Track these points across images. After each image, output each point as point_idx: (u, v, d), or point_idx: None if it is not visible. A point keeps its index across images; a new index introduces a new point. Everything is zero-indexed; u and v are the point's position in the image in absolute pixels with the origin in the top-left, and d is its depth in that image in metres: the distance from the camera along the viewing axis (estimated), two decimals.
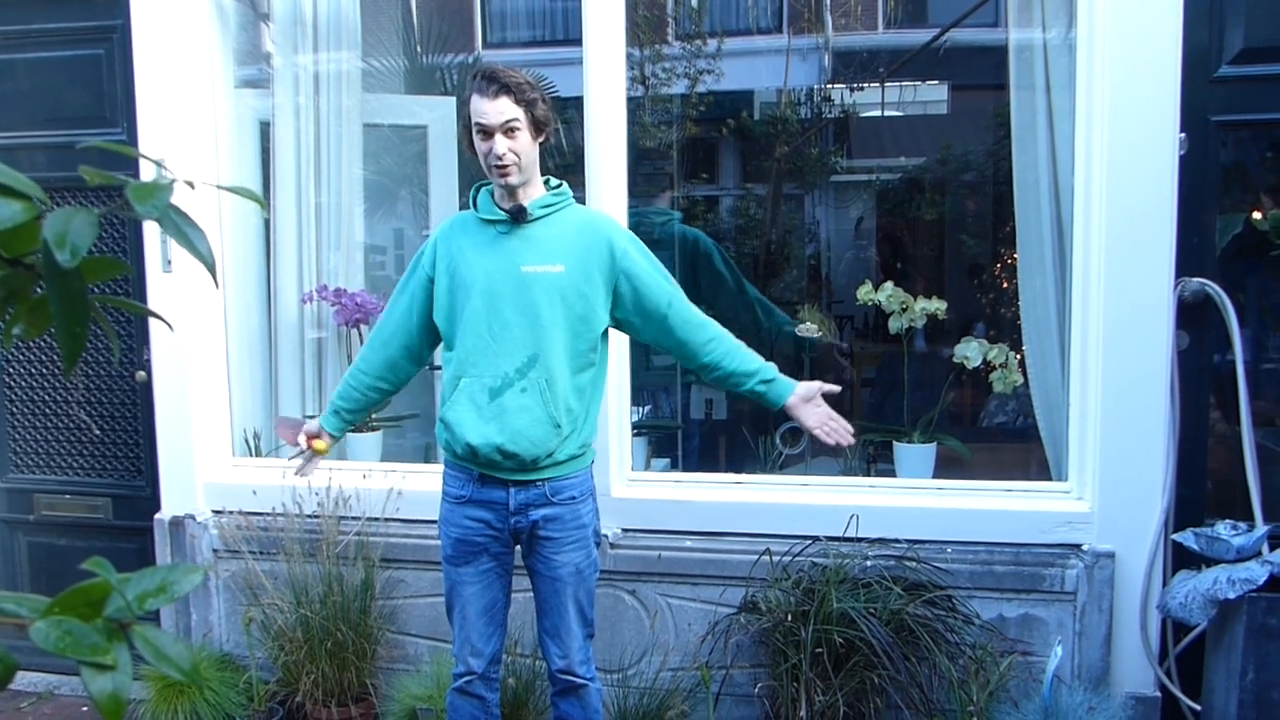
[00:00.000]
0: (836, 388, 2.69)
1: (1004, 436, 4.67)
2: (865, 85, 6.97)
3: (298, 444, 2.84)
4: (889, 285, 3.78)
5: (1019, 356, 3.64)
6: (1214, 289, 3.08)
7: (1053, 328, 3.43)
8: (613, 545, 3.44)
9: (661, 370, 4.56)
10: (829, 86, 7.04)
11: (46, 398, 4.11)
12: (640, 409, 4.18)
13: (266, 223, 4.06)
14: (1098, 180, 3.09)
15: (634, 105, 4.28)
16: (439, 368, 2.77)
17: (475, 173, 2.68)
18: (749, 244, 6.73)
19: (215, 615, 3.85)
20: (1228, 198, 3.25)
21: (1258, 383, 3.21)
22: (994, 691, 3.02)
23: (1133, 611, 3.13)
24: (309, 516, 3.57)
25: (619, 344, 3.42)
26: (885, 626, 2.98)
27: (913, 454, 3.68)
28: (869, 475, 3.86)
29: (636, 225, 3.59)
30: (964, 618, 3.14)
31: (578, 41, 3.48)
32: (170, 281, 3.74)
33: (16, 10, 3.93)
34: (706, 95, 6.39)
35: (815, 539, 3.28)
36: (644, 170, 5.49)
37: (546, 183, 2.65)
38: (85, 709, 3.93)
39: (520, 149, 2.51)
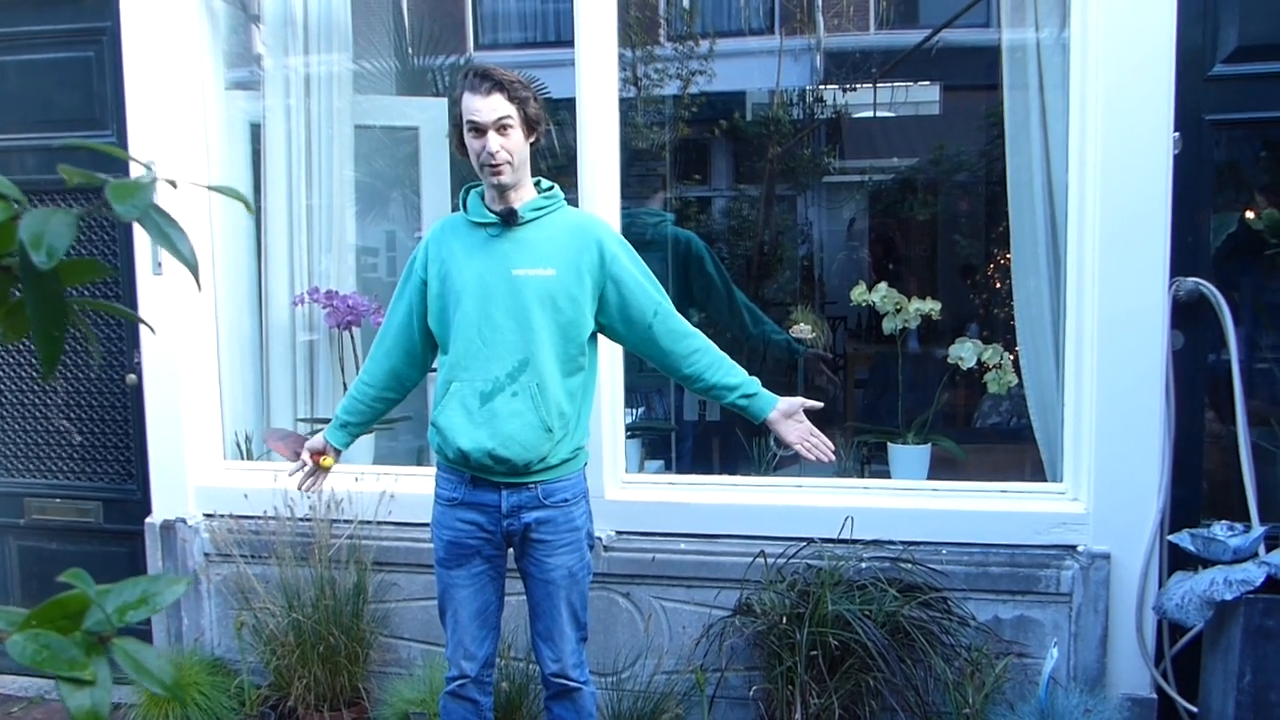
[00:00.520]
0: (819, 404, 2.67)
1: (998, 437, 4.66)
2: (857, 86, 6.97)
3: (297, 458, 2.81)
4: (883, 286, 3.77)
5: (1013, 357, 3.63)
6: (1209, 288, 3.07)
7: (1047, 328, 3.42)
8: (606, 548, 3.43)
9: (655, 372, 4.52)
10: (821, 87, 7.03)
11: (37, 400, 4.08)
12: (634, 411, 4.17)
13: (258, 225, 4.04)
14: (1091, 180, 3.09)
15: (626, 106, 4.26)
16: (435, 370, 2.75)
17: (467, 174, 2.67)
18: (742, 245, 6.72)
19: (206, 619, 3.83)
20: (1222, 197, 3.25)
21: (1253, 382, 3.21)
22: (989, 694, 3.01)
23: (1128, 613, 3.13)
24: (301, 520, 3.55)
25: (613, 346, 3.40)
26: (880, 629, 2.97)
27: (907, 455, 3.67)
28: (863, 477, 3.85)
29: (628, 226, 3.59)
30: (959, 619, 3.13)
31: (569, 43, 3.47)
32: (161, 284, 3.72)
33: (5, 12, 3.91)
34: (699, 96, 6.38)
35: (810, 541, 3.27)
36: (636, 171, 5.47)
37: (537, 184, 2.63)
38: None
39: (513, 147, 2.49)
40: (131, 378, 3.92)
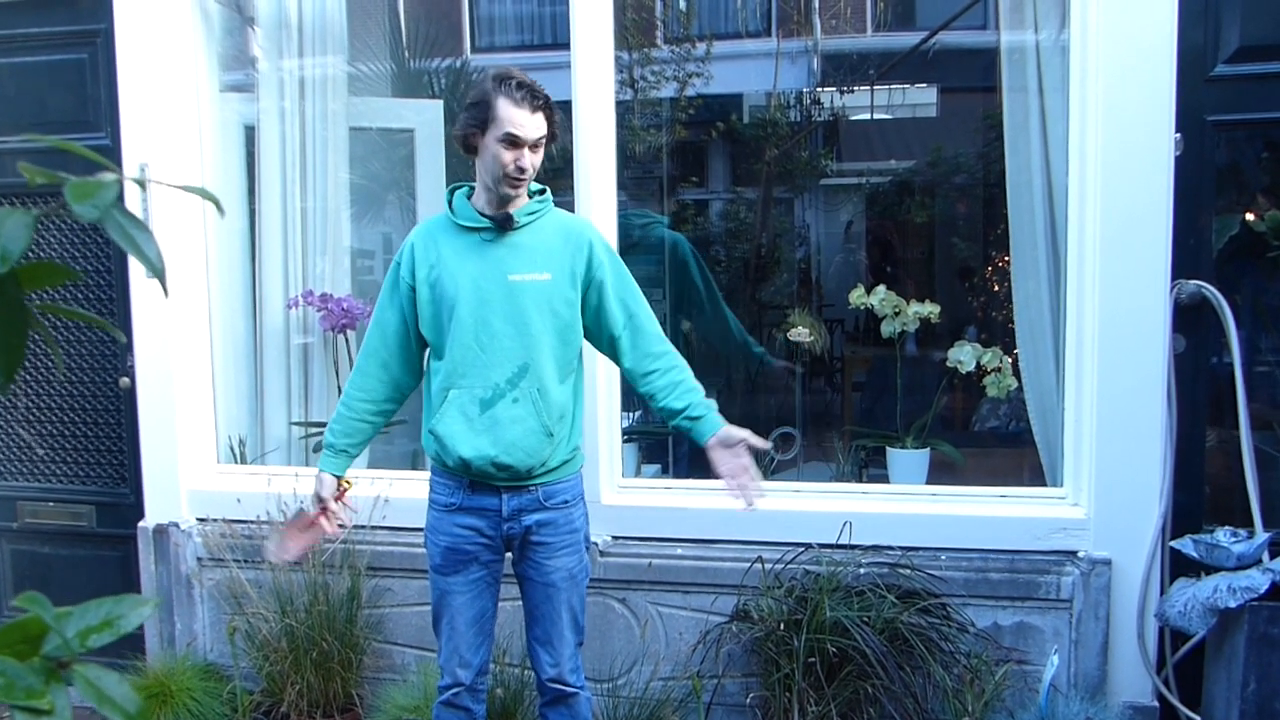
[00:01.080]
0: (764, 444, 2.60)
1: (997, 441, 4.64)
2: (855, 88, 6.96)
3: (312, 525, 2.70)
4: (882, 289, 3.75)
5: (1012, 360, 3.60)
6: (1211, 291, 3.05)
7: (1046, 331, 3.40)
8: (603, 553, 3.40)
9: None
10: (818, 89, 7.02)
11: (29, 404, 4.05)
12: (630, 415, 4.13)
13: (252, 227, 4.02)
14: (1092, 182, 3.06)
15: (623, 109, 4.24)
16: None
17: (463, 175, 2.63)
18: (739, 248, 6.70)
19: (199, 624, 3.80)
20: (1223, 198, 3.22)
21: (1255, 386, 3.18)
22: (989, 701, 2.98)
23: (1130, 619, 3.10)
24: (287, 520, 3.51)
25: None
26: (879, 635, 2.94)
27: (906, 460, 3.65)
28: (861, 481, 3.82)
29: (618, 227, 3.55)
30: (958, 626, 3.10)
31: (566, 45, 3.45)
32: (155, 287, 3.68)
33: None
34: (696, 99, 6.37)
35: (808, 546, 3.25)
36: (633, 174, 5.46)
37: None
38: None
39: (538, 163, 2.50)
40: (125, 381, 3.88)
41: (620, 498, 3.49)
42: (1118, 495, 3.10)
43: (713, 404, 2.60)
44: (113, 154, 3.72)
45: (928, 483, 3.60)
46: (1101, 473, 3.11)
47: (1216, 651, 2.91)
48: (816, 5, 6.87)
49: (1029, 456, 3.52)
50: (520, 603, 2.69)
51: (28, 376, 4.04)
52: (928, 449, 3.67)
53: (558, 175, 3.45)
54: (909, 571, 3.16)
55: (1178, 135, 3.01)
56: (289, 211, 3.97)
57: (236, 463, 3.92)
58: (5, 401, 4.07)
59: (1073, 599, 3.12)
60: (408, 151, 4.39)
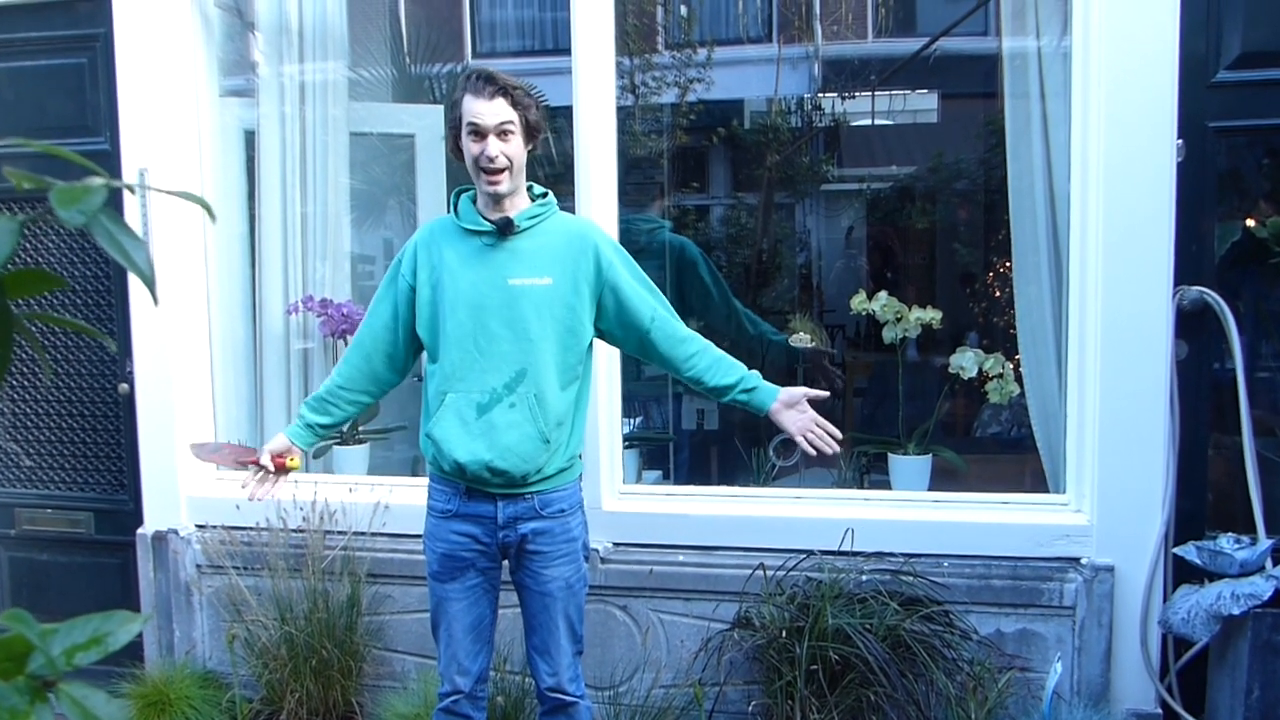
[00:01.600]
0: (823, 393, 2.60)
1: (998, 447, 4.63)
2: (856, 94, 6.95)
3: (243, 465, 2.69)
4: (883, 295, 3.73)
5: (1014, 366, 3.59)
6: (1213, 297, 3.04)
7: (1049, 337, 3.39)
8: (603, 560, 3.39)
9: (652, 381, 4.51)
10: (819, 95, 7.01)
11: (28, 410, 4.04)
12: (631, 421, 4.12)
13: (252, 232, 4.01)
14: (1094, 187, 3.05)
15: (624, 114, 4.24)
16: (419, 378, 2.70)
17: (463, 180, 2.62)
18: (740, 253, 6.69)
19: (198, 632, 3.78)
20: (1225, 204, 3.22)
21: (1258, 392, 3.16)
22: (992, 709, 2.97)
23: (1133, 626, 3.08)
24: (294, 531, 3.51)
25: (610, 355, 3.37)
26: (881, 642, 2.93)
27: (908, 466, 3.63)
28: (863, 487, 3.81)
29: (623, 233, 3.55)
30: (961, 633, 3.09)
31: (567, 51, 3.44)
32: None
33: None
34: (697, 104, 6.35)
35: (810, 553, 3.23)
36: (634, 179, 5.45)
37: (529, 189, 2.59)
38: None
39: (512, 154, 2.46)
40: (124, 387, 3.87)
41: (621, 504, 3.48)
42: (1120, 502, 3.09)
43: (757, 373, 2.60)
44: (112, 159, 3.71)
45: (930, 489, 3.59)
46: (1104, 479, 3.10)
47: (1220, 658, 2.90)
48: (817, 11, 6.87)
49: (1031, 462, 3.50)
50: (520, 610, 2.68)
51: (25, 384, 4.03)
52: (930, 455, 3.65)
53: (559, 180, 3.45)
54: (911, 578, 3.15)
55: (1179, 141, 3.00)
56: (289, 216, 3.96)
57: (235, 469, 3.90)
58: (4, 407, 4.06)
59: (1076, 606, 3.11)
60: (408, 157, 4.38)
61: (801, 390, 2.58)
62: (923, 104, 7.72)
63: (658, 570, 3.37)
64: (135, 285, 3.74)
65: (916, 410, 3.92)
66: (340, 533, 3.50)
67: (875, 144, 7.73)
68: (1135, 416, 3.05)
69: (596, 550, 3.38)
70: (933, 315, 3.68)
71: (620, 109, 3.52)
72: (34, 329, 3.95)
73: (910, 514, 3.33)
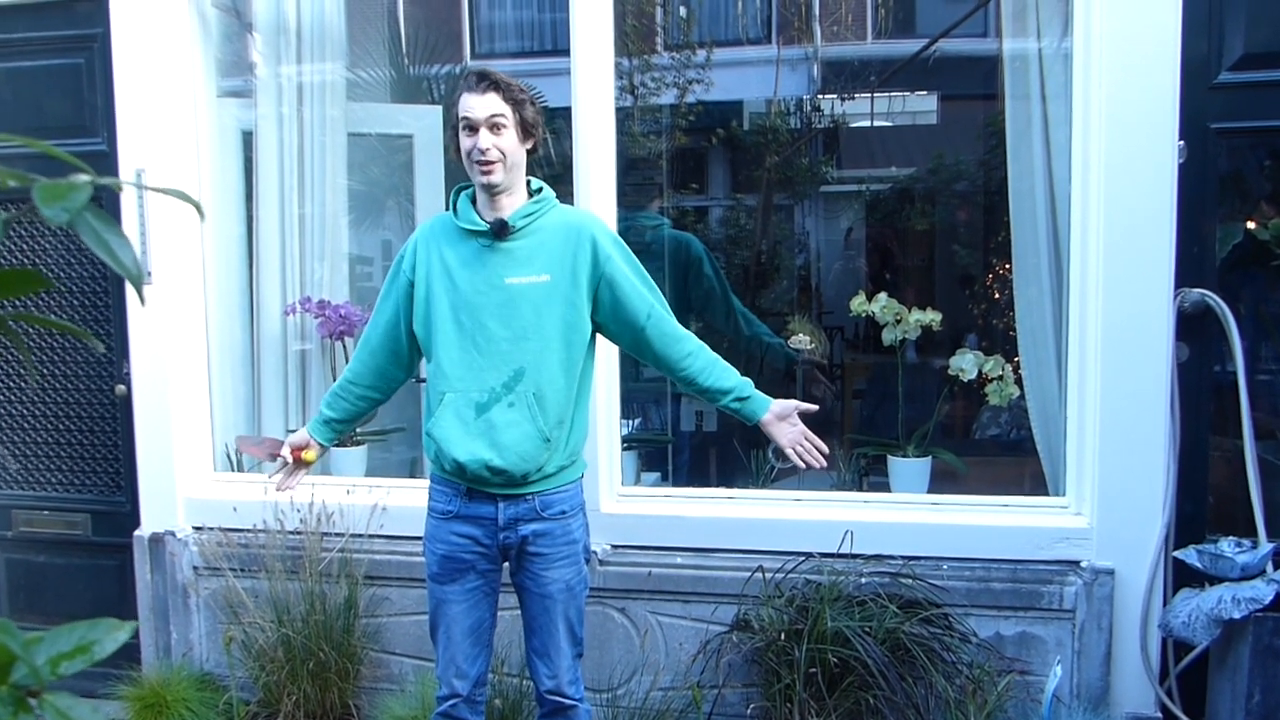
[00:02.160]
0: (814, 407, 2.61)
1: (997, 449, 4.62)
2: (855, 95, 6.94)
3: (276, 458, 2.76)
4: (883, 296, 3.73)
5: (1014, 368, 3.58)
6: (1214, 300, 3.03)
7: (1049, 339, 3.38)
8: (602, 562, 3.37)
9: (651, 383, 4.50)
10: (819, 97, 7.01)
11: (24, 411, 4.02)
12: (630, 422, 4.11)
13: (249, 233, 3.99)
14: (1095, 189, 3.05)
15: (623, 115, 4.22)
16: (424, 380, 2.69)
17: (462, 181, 2.61)
18: (739, 254, 6.68)
19: (195, 634, 3.77)
20: (1226, 206, 3.20)
21: (1259, 395, 3.15)
22: (991, 712, 2.96)
23: (1133, 630, 3.07)
24: (291, 533, 3.50)
25: (608, 355, 3.36)
26: (880, 645, 2.92)
27: (907, 468, 3.62)
28: (862, 489, 3.80)
29: (626, 231, 3.55)
30: (961, 636, 3.08)
31: (566, 52, 3.43)
32: (150, 293, 3.66)
33: None
34: (696, 105, 6.34)
35: (809, 555, 3.22)
36: (633, 180, 5.44)
37: (528, 184, 2.57)
38: None
39: (505, 147, 2.44)
40: (121, 388, 3.86)
41: (620, 506, 3.47)
42: (1121, 504, 3.08)
43: (750, 381, 2.59)
44: (109, 160, 3.70)
45: (929, 491, 3.58)
46: (1104, 482, 3.09)
47: (1220, 663, 2.89)
48: (817, 12, 6.87)
49: (1030, 465, 3.49)
50: (519, 612, 2.67)
51: (21, 384, 4.02)
52: (929, 457, 3.64)
53: (558, 181, 3.42)
54: (911, 581, 3.14)
55: (1181, 143, 2.99)
56: (287, 217, 3.94)
57: (233, 471, 3.89)
58: (1, 409, 4.04)
59: (1075, 609, 3.10)
60: (407, 157, 4.37)
61: (793, 403, 2.58)
62: (922, 105, 7.72)
63: (656, 572, 3.35)
64: (131, 286, 3.72)
65: (915, 412, 3.91)
66: (338, 534, 3.49)
67: (874, 145, 7.73)
68: (1136, 419, 3.04)
69: (595, 552, 3.36)
70: (932, 317, 3.67)
71: (619, 110, 3.51)
72: (27, 331, 3.91)
73: (910, 516, 3.32)
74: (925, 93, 7.56)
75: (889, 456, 3.69)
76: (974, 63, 6.39)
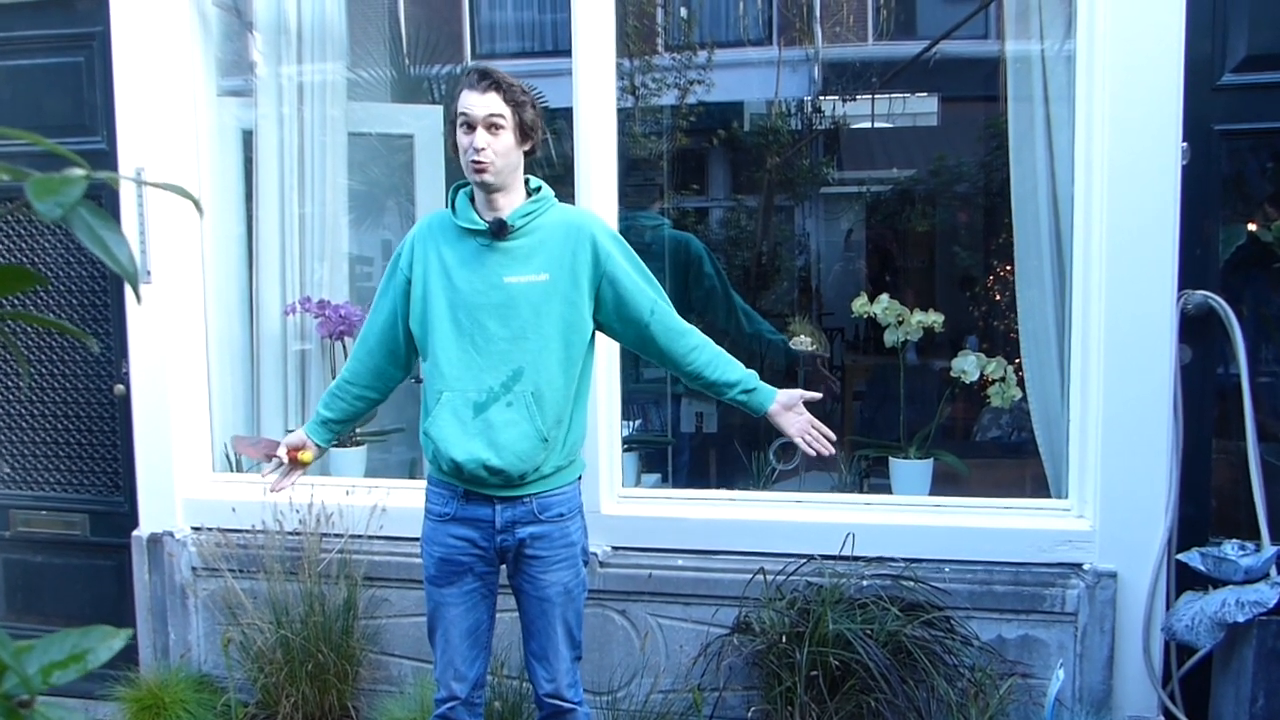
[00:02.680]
0: (818, 395, 2.61)
1: (999, 451, 4.61)
2: (856, 97, 6.93)
3: (272, 458, 2.73)
4: (885, 298, 3.71)
5: (1015, 370, 3.57)
6: (1218, 302, 3.02)
7: (1051, 340, 3.37)
8: (602, 564, 3.36)
9: (652, 383, 4.49)
10: (819, 98, 7.00)
11: (22, 410, 4.01)
12: (630, 423, 4.10)
13: (249, 233, 3.98)
14: (1098, 191, 3.03)
15: (624, 116, 4.21)
16: (422, 380, 2.68)
17: (461, 179, 2.59)
18: (740, 256, 6.67)
19: (193, 635, 3.75)
20: (1230, 208, 3.19)
21: (1261, 397, 3.14)
22: (993, 715, 2.94)
23: (1135, 633, 3.06)
24: (290, 534, 3.48)
25: (609, 356, 3.35)
26: (882, 648, 2.91)
27: (909, 470, 3.61)
28: (863, 491, 3.79)
29: (626, 230, 3.53)
30: (962, 639, 3.07)
31: (567, 52, 3.42)
32: (149, 292, 3.65)
33: None
34: (697, 106, 6.34)
35: (810, 558, 3.21)
36: (634, 181, 5.43)
37: (526, 183, 2.56)
38: None
39: (500, 148, 2.42)
40: (120, 388, 3.84)
41: (620, 508, 3.46)
42: (1123, 507, 3.07)
43: (755, 373, 2.60)
44: (109, 159, 3.69)
45: (931, 493, 3.56)
46: (1107, 484, 3.08)
47: (1224, 666, 2.87)
48: (818, 14, 6.86)
49: (1032, 467, 3.48)
50: (518, 614, 2.65)
51: (19, 384, 4.00)
52: (931, 459, 3.63)
53: (559, 182, 3.41)
54: (912, 583, 3.13)
55: (1184, 144, 2.98)
56: (287, 217, 3.93)
57: (232, 471, 3.88)
58: None
59: (1078, 612, 3.09)
60: (407, 157, 4.36)
61: (798, 393, 2.58)
62: (923, 107, 7.72)
63: (657, 574, 3.34)
64: (128, 284, 3.70)
65: (916, 414, 3.90)
66: (337, 535, 3.47)
67: (875, 147, 7.72)
68: (1138, 421, 3.03)
69: (595, 554, 3.35)
70: (935, 319, 3.66)
71: (620, 111, 3.50)
72: (26, 330, 3.89)
73: (911, 518, 3.31)
74: (926, 94, 7.55)
75: (890, 458, 3.68)
76: (975, 64, 6.39)
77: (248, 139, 3.99)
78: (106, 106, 3.76)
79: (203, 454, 3.84)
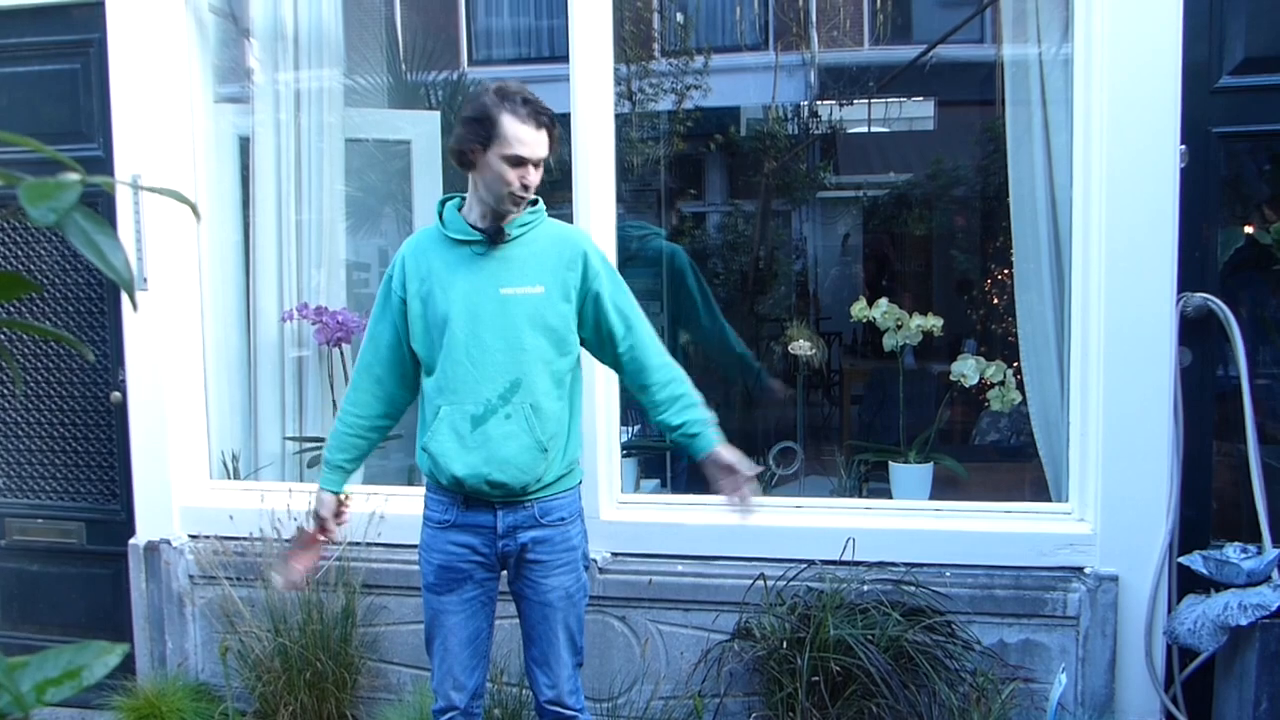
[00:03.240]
0: (751, 475, 2.57)
1: (997, 455, 4.60)
2: (853, 101, 6.94)
3: (318, 544, 2.67)
4: (883, 302, 3.71)
5: (1014, 373, 3.56)
6: (1217, 304, 3.01)
7: (1050, 344, 3.36)
8: (602, 570, 3.35)
9: None
10: (816, 103, 7.01)
11: (18, 419, 3.99)
12: (629, 429, 4.09)
13: (246, 239, 3.97)
14: (1096, 194, 3.03)
15: (621, 121, 4.20)
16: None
17: (460, 187, 2.58)
18: (737, 260, 6.67)
19: (191, 643, 3.74)
20: (1228, 210, 3.19)
21: (1261, 399, 3.14)
22: None
23: (1137, 636, 3.05)
24: (287, 541, 3.46)
25: None
26: (883, 653, 2.90)
27: (909, 474, 3.60)
28: (863, 496, 3.78)
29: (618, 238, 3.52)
30: (964, 644, 3.06)
31: (564, 58, 3.41)
32: (146, 299, 3.64)
33: None
34: (694, 111, 6.34)
35: (810, 563, 3.20)
36: (632, 186, 5.42)
37: None
38: None
39: (539, 180, 2.46)
40: (116, 395, 3.83)
41: (620, 514, 3.44)
42: (1124, 510, 3.06)
43: (710, 419, 2.57)
44: (105, 166, 3.68)
45: (931, 498, 3.56)
46: (1108, 487, 3.07)
47: (1227, 670, 2.86)
48: (814, 19, 6.87)
49: (1032, 471, 3.47)
50: (517, 620, 2.64)
51: (14, 391, 3.99)
52: (931, 463, 3.62)
53: (556, 188, 3.41)
54: (913, 588, 3.11)
55: (1183, 147, 2.98)
56: (284, 224, 3.92)
57: (229, 478, 3.86)
58: None
59: (1079, 616, 3.08)
60: (404, 163, 4.35)
61: (729, 458, 2.54)
62: (920, 111, 7.72)
63: (657, 580, 3.33)
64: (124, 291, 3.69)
65: (914, 418, 3.89)
66: (335, 543, 3.45)
67: (872, 151, 7.72)
68: (1138, 424, 3.03)
69: (595, 560, 3.34)
70: (934, 323, 3.66)
71: (618, 116, 3.50)
72: (22, 338, 3.88)
73: (912, 523, 3.30)
74: (923, 98, 7.56)
75: (890, 463, 3.67)
76: (971, 68, 6.40)
77: (245, 146, 3.98)
78: (103, 113, 3.75)
79: (200, 461, 3.83)
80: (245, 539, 3.54)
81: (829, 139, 7.21)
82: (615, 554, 3.40)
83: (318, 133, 3.95)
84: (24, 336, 4.01)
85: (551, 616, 2.55)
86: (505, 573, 2.60)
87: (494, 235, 2.45)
